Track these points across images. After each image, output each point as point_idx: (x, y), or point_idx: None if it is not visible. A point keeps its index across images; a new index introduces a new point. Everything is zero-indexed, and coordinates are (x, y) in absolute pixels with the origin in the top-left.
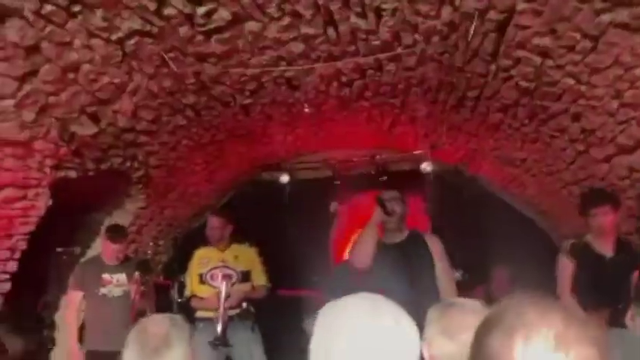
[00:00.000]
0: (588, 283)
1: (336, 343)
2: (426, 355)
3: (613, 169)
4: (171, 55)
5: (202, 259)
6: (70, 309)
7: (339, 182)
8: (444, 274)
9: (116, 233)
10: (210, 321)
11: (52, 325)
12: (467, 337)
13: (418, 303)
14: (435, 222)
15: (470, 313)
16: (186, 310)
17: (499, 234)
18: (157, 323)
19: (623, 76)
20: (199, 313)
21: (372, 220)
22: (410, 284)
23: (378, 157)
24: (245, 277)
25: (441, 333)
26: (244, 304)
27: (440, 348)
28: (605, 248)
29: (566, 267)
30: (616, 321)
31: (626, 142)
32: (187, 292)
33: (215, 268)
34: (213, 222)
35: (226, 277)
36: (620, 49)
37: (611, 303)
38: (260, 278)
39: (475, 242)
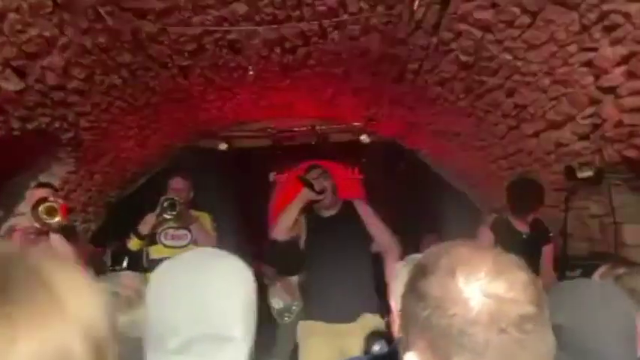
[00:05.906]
0: None
1: (163, 294)
2: (394, 309)
3: (541, 143)
4: (107, 8)
5: None
6: None
7: (280, 152)
8: (378, 230)
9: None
10: None
11: None
12: None
13: (354, 269)
14: (371, 192)
15: None
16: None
17: (431, 205)
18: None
19: (556, 53)
20: None
21: (298, 198)
22: (345, 253)
23: (318, 127)
24: None
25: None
26: None
27: None
28: (523, 226)
29: (486, 238)
30: None
31: (555, 118)
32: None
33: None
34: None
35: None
36: (556, 25)
37: None
38: None
39: (408, 212)
